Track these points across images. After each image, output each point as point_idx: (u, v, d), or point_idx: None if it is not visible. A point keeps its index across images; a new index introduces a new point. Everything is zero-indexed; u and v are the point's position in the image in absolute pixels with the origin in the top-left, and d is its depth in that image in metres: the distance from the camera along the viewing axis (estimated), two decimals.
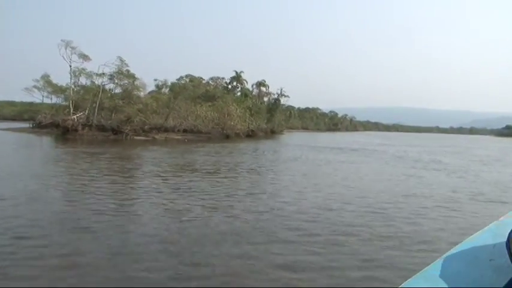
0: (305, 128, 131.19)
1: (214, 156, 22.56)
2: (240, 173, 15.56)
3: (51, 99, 62.61)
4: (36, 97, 62.15)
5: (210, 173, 15.33)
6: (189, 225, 7.09)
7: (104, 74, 47.66)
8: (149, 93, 59.23)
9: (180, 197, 9.92)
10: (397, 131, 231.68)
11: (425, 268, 1.00)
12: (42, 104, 61.89)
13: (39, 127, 49.66)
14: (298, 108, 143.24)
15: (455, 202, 10.68)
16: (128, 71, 49.06)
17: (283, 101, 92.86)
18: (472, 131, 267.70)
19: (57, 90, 57.79)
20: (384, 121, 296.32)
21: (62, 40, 44.19)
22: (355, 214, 8.51)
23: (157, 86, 64.39)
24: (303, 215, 8.24)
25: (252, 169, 17.24)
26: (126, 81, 49.05)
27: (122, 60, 48.22)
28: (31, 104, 67.03)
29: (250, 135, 59.46)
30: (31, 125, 52.59)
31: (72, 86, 49.64)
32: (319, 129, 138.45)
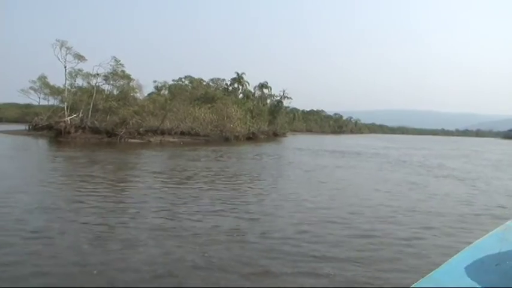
0: (309, 131, 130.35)
1: (201, 161, 20.82)
2: (214, 182, 13.55)
3: (48, 101, 61.80)
4: (33, 99, 61.19)
5: (181, 181, 13.53)
6: (110, 257, 5.30)
7: (98, 74, 46.34)
8: (149, 95, 58.46)
9: (125, 214, 8.07)
10: (403, 133, 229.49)
11: (432, 272, 1.03)
12: (39, 106, 61.06)
13: (35, 129, 49.06)
14: (303, 111, 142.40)
15: (468, 219, 8.84)
16: (123, 71, 47.71)
17: (286, 103, 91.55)
18: (478, 133, 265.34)
19: (55, 91, 56.84)
20: (390, 124, 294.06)
21: (56, 40, 42.66)
22: (336, 240, 6.54)
23: (156, 87, 63.44)
24: (268, 241, 6.34)
25: (232, 176, 15.38)
26: (121, 82, 47.79)
27: (116, 61, 46.88)
28: (27, 106, 66.15)
29: (251, 137, 57.83)
30: (27, 128, 51.99)
31: (68, 87, 48.56)
32: (323, 132, 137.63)
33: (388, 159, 26.74)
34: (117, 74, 47.06)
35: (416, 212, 9.31)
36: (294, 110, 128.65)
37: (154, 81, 63.33)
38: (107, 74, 46.49)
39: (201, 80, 68.81)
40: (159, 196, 10.26)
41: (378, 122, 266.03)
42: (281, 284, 4.57)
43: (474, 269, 1.05)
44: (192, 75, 66.04)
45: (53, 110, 50.82)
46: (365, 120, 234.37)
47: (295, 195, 11.26)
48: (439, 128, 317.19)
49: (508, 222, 1.39)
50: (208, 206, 9.15)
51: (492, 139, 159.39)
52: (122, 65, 47.75)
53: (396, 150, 39.22)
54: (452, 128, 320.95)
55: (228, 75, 74.63)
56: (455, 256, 1.12)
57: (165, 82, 63.91)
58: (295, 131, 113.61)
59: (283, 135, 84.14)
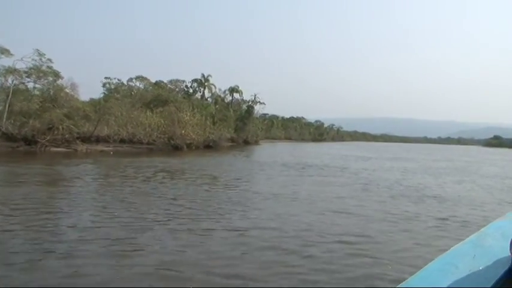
0: (288, 138, 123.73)
1: (78, 185, 13.10)
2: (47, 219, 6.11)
3: None
4: None
5: None
6: None
7: (15, 70, 38.21)
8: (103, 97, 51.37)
9: None
10: (385, 141, 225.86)
11: (407, 280, 1.02)
12: None
13: None
14: (282, 118, 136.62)
15: None
16: (49, 67, 39.74)
17: (260, 109, 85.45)
18: (459, 141, 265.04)
19: None
20: (372, 131, 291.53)
21: None
22: None
23: (109, 88, 55.52)
24: None
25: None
26: (46, 80, 39.85)
27: (40, 54, 38.90)
28: None
29: (211, 146, 50.29)
30: None
31: None
32: (303, 139, 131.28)
33: (355, 178, 19.31)
34: (41, 70, 39.07)
35: None
36: (273, 117, 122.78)
37: (104, 82, 55.05)
38: (27, 69, 38.50)
39: (161, 81, 61.22)
40: None
41: (360, 130, 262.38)
42: None
43: (448, 275, 1.01)
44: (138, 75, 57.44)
45: None
46: (348, 128, 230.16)
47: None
48: (422, 135, 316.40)
49: (483, 229, 1.32)
50: None
51: (475, 147, 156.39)
52: (50, 60, 39.87)
53: (373, 163, 31.97)
54: (434, 136, 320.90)
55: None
56: (430, 263, 1.05)
57: (117, 83, 56.12)
58: (273, 138, 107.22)
59: (256, 143, 76.98)
